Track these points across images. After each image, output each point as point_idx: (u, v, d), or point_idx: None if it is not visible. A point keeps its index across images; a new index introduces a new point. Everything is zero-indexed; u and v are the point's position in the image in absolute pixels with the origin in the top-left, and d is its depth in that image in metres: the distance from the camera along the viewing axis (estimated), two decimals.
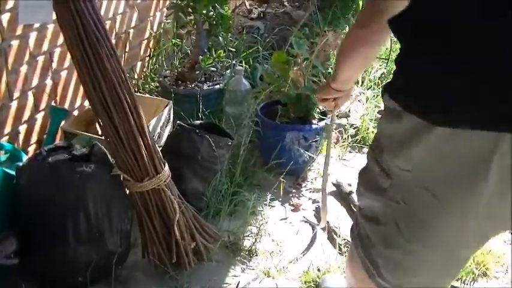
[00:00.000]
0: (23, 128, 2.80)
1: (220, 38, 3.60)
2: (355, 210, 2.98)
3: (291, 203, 3.07)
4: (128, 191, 2.35)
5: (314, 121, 3.26)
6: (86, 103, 3.14)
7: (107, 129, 2.23)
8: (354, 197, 3.09)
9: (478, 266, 2.65)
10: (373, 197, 1.53)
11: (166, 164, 2.34)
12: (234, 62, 3.80)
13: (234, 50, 3.89)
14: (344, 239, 2.74)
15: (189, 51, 3.90)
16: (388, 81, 1.51)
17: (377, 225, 1.53)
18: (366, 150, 3.64)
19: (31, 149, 2.87)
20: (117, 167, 2.28)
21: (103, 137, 2.36)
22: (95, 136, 2.72)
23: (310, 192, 3.22)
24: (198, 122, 2.97)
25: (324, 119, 3.26)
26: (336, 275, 2.41)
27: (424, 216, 1.43)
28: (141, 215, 2.34)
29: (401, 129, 1.39)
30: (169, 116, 3.18)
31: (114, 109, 2.18)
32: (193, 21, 3.55)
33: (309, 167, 3.33)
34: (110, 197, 2.30)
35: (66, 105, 3.08)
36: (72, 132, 2.80)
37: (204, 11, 3.47)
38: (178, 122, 2.87)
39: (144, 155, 2.23)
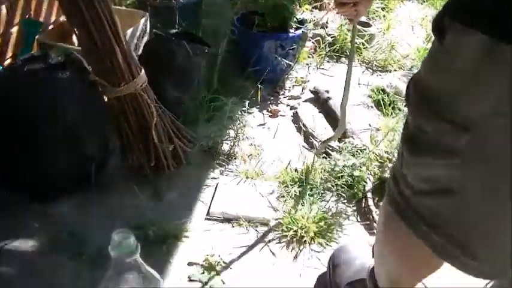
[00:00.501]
0: None
1: None
2: (331, 114, 3.04)
3: (269, 110, 3.12)
4: (105, 97, 2.37)
5: (291, 30, 3.27)
6: (62, 18, 3.13)
7: (83, 37, 2.23)
8: (331, 103, 3.14)
9: None
10: (439, 163, 1.23)
11: (143, 69, 2.36)
12: None
13: None
14: (320, 141, 2.79)
15: None
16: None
17: (448, 196, 1.24)
18: (344, 60, 3.68)
19: (6, 64, 2.87)
20: (94, 73, 2.29)
21: (79, 47, 2.37)
22: (71, 47, 2.72)
23: (288, 99, 3.26)
24: (175, 30, 2.98)
25: (300, 28, 3.27)
26: (349, 246, 2.13)
27: None
28: (119, 120, 2.37)
29: (470, 54, 1.09)
30: (145, 28, 3.18)
31: (89, 16, 2.17)
32: None
33: (286, 75, 3.35)
34: (87, 103, 2.32)
35: (41, 20, 3.06)
36: (47, 44, 2.80)
37: None
38: (154, 30, 2.88)
39: (120, 60, 2.25)
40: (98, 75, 2.29)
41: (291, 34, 3.24)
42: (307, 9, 3.40)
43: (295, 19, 3.29)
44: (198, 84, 2.84)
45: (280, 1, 3.21)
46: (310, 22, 3.59)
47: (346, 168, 2.57)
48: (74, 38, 2.90)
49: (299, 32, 3.25)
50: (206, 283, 2.08)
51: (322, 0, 3.99)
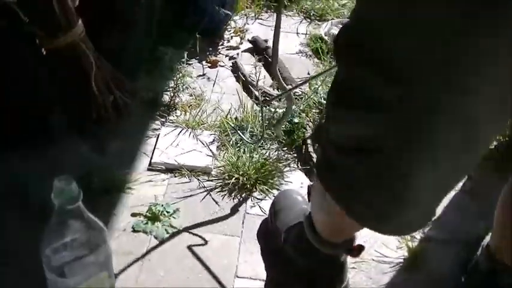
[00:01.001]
0: None
1: None
2: (263, 62, 3.05)
3: (208, 60, 3.12)
4: (43, 49, 2.33)
5: None
6: None
7: None
8: (270, 52, 3.16)
9: None
10: (364, 119, 1.15)
11: (80, 19, 2.32)
12: None
13: None
14: (259, 89, 2.81)
15: None
16: None
17: (370, 156, 1.18)
18: (282, 10, 3.68)
19: None
20: (30, 24, 2.25)
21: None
22: None
23: (227, 49, 3.27)
24: None
25: None
26: (291, 191, 2.14)
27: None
28: (58, 72, 2.34)
29: None
30: None
31: None
32: None
33: (224, 26, 3.35)
34: (23, 55, 2.28)
35: None
36: None
37: None
38: None
39: (56, 9, 2.21)
40: (35, 26, 2.25)
41: None
42: None
43: None
44: (136, 34, 2.81)
45: None
46: None
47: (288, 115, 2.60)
48: None
49: None
50: (150, 233, 2.10)
51: None
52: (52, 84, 2.39)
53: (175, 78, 2.82)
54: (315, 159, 2.43)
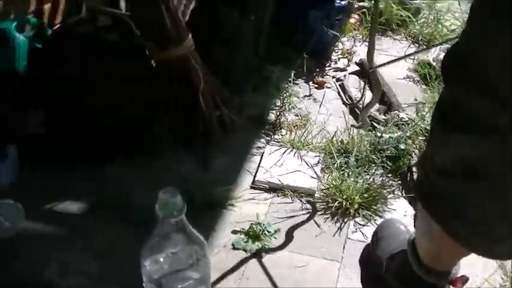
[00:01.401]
0: (47, 7, 2.80)
1: None
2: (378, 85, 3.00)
3: (315, 81, 3.10)
4: (153, 61, 2.36)
5: (337, 0, 3.23)
6: None
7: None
8: (377, 75, 3.11)
9: None
10: (471, 141, 1.16)
11: (190, 33, 2.35)
12: None
13: None
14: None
15: None
16: None
17: (477, 180, 1.17)
18: (389, 33, 3.64)
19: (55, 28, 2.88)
20: (142, 36, 2.29)
21: (127, 12, 2.37)
22: (119, 11, 2.72)
23: (334, 71, 3.24)
24: None
25: None
26: (394, 221, 2.15)
27: None
28: (166, 84, 2.37)
29: None
30: None
31: None
32: None
33: (332, 47, 3.32)
34: (135, 67, 2.32)
35: None
36: (95, 8, 2.79)
37: None
38: None
39: (168, 23, 2.24)
40: (146, 38, 2.28)
41: (336, 4, 3.20)
42: None
43: None
44: (244, 51, 2.82)
45: None
46: None
47: (391, 140, 2.54)
48: (122, 4, 2.90)
49: (344, 2, 3.22)
50: (250, 251, 2.08)
51: None
52: (160, 96, 2.41)
53: (281, 97, 2.81)
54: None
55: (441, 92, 1.28)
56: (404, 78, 3.27)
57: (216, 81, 2.48)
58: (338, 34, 3.26)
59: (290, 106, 2.81)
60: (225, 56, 2.75)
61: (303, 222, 2.23)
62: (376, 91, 2.53)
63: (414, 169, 2.47)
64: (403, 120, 2.72)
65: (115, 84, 2.27)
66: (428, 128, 2.65)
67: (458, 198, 1.24)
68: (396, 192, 2.41)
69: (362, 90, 2.96)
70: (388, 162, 2.50)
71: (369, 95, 2.96)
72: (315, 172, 2.43)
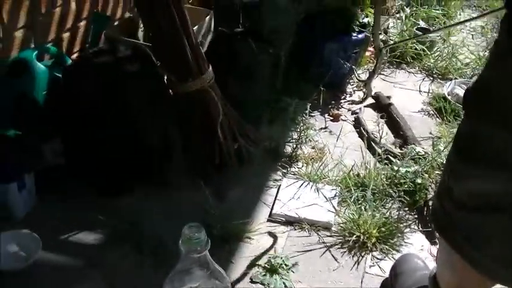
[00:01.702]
0: (66, 36, 2.82)
1: None
2: (393, 120, 3.00)
3: (331, 113, 3.10)
4: (172, 93, 2.37)
5: (353, 33, 3.24)
6: (127, 13, 3.15)
7: (153, 30, 2.24)
8: (393, 109, 3.12)
9: None
10: (491, 175, 1.17)
11: (210, 66, 2.35)
12: None
13: None
14: (382, 147, 2.76)
15: None
16: None
17: (499, 213, 1.19)
18: (404, 66, 3.65)
19: (74, 57, 2.89)
20: (162, 67, 2.30)
21: (146, 43, 2.38)
22: (138, 42, 2.73)
23: (349, 104, 3.24)
24: (239, 29, 2.97)
25: (363, 31, 3.24)
26: (413, 256, 2.14)
27: None
28: (185, 116, 2.37)
29: None
30: (210, 26, 3.18)
31: (159, 8, 2.18)
32: None
33: (347, 80, 3.33)
34: (154, 97, 2.32)
35: (108, 14, 3.09)
36: (114, 38, 2.82)
37: None
38: (220, 28, 2.88)
39: (189, 55, 2.25)
40: (166, 70, 2.29)
41: (353, 37, 3.21)
42: (370, 12, 3.37)
43: (357, 22, 3.26)
44: (262, 83, 2.83)
45: (343, 4, 3.19)
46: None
47: (408, 174, 2.53)
48: (140, 34, 2.92)
49: (361, 35, 3.23)
50: (268, 285, 2.07)
51: (385, 4, 3.95)
52: (178, 128, 2.42)
53: (298, 130, 2.82)
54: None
55: (460, 124, 1.30)
56: (419, 112, 3.27)
57: (234, 113, 2.48)
58: (354, 67, 3.26)
59: (306, 139, 2.80)
60: (242, 88, 2.76)
61: (320, 256, 2.21)
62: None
63: (430, 203, 2.46)
64: (419, 154, 2.70)
65: (133, 115, 2.28)
66: (444, 162, 2.65)
67: (478, 229, 1.25)
68: (413, 227, 2.40)
69: (378, 124, 2.95)
70: (405, 196, 2.49)
71: (385, 129, 2.97)
72: (332, 205, 2.41)
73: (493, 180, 1.18)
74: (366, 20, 3.33)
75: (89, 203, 2.29)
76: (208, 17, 3.14)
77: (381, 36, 3.64)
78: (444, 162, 2.58)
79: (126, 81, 2.27)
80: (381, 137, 2.81)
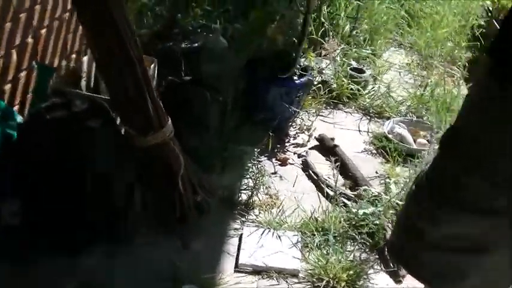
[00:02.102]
0: (8, 88, 2.72)
1: None
2: (339, 163, 3.01)
3: (278, 158, 3.10)
4: (132, 146, 2.31)
5: (295, 77, 3.27)
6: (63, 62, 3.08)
7: (113, 83, 2.20)
8: (339, 150, 3.15)
9: None
10: (469, 220, 1.20)
11: (169, 118, 2.32)
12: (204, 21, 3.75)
13: (209, 8, 3.84)
14: (336, 190, 2.78)
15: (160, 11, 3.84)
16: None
17: (475, 252, 1.22)
18: (341, 106, 3.70)
19: (16, 109, 2.79)
20: (122, 121, 2.25)
21: (100, 95, 2.33)
22: (95, 95, 2.66)
23: (294, 147, 3.25)
24: (188, 77, 2.95)
25: (305, 75, 3.28)
26: None
27: None
28: (146, 170, 2.32)
29: None
30: (154, 74, 3.14)
31: (121, 61, 2.14)
32: None
33: (291, 123, 3.35)
34: (113, 152, 2.27)
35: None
36: (61, 90, 2.73)
37: None
38: (170, 77, 2.85)
39: (150, 109, 2.21)
40: (127, 124, 2.24)
41: (297, 81, 3.24)
42: (311, 56, 3.41)
43: (298, 66, 3.29)
44: (213, 131, 2.81)
45: (283, 48, 3.22)
46: (314, 69, 3.59)
47: (368, 216, 2.56)
48: (83, 83, 2.85)
49: (304, 79, 3.26)
50: None
51: (324, 47, 4.03)
52: (139, 183, 2.36)
53: (250, 177, 2.80)
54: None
55: (433, 167, 1.30)
56: (362, 152, 3.31)
57: (193, 164, 2.45)
58: (298, 110, 3.28)
59: (259, 185, 2.78)
60: (194, 137, 2.73)
61: None
62: None
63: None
64: (373, 195, 2.74)
65: (92, 170, 2.21)
66: (398, 202, 2.69)
67: (453, 267, 1.26)
68: (376, 267, 2.43)
69: (333, 168, 2.96)
70: (366, 238, 2.51)
71: (332, 170, 2.99)
72: (298, 251, 2.41)
73: (470, 225, 1.20)
74: (307, 63, 3.36)
75: (52, 263, 2.19)
76: (153, 65, 3.10)
77: (317, 77, 3.71)
78: (401, 202, 2.63)
79: (83, 136, 2.21)
80: (336, 181, 2.82)
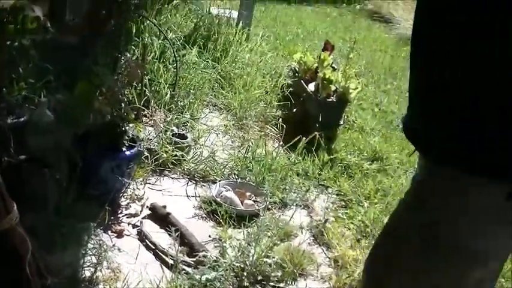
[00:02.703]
0: None
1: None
2: (179, 233, 3.10)
3: (114, 230, 3.13)
4: None
5: (124, 148, 3.32)
6: None
7: None
8: (172, 217, 3.24)
9: (296, 267, 2.94)
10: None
11: (15, 204, 2.30)
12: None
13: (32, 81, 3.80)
14: (175, 259, 2.86)
15: None
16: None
17: None
18: (167, 173, 3.79)
19: None
20: None
21: None
22: None
23: (128, 217, 3.29)
24: (23, 156, 2.91)
25: (134, 146, 3.35)
26: None
27: None
28: None
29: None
30: None
31: None
32: None
33: (122, 194, 3.39)
34: None
35: None
36: None
37: None
38: (5, 158, 2.80)
39: None
40: None
41: (127, 153, 3.29)
42: (139, 127, 3.49)
43: (127, 137, 3.35)
44: (50, 209, 2.80)
45: (112, 120, 3.28)
46: (143, 140, 3.66)
47: (212, 282, 2.67)
48: None
49: (134, 150, 3.33)
50: None
51: (147, 115, 4.12)
52: None
53: (90, 253, 2.81)
54: None
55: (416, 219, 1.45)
56: (193, 217, 3.43)
57: (38, 248, 2.43)
58: (129, 181, 3.34)
59: (101, 260, 2.80)
60: (33, 216, 2.70)
61: None
62: None
63: None
64: (212, 259, 2.85)
65: None
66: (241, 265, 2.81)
67: None
68: None
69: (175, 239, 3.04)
70: None
71: (168, 239, 3.06)
72: None
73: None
74: (135, 134, 3.44)
75: None
76: None
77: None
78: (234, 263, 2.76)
79: None
80: (177, 250, 2.90)
